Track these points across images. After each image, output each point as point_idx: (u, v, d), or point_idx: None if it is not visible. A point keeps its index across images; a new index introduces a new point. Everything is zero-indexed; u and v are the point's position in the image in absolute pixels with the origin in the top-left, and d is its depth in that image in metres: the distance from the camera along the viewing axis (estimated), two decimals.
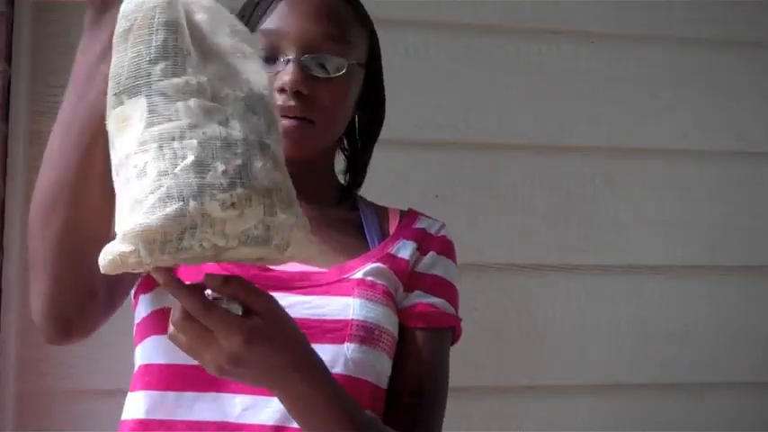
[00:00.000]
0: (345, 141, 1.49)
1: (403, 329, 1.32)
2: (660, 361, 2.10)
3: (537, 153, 2.08)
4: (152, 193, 0.97)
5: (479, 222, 2.04)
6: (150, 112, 0.99)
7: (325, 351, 1.19)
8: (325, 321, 1.23)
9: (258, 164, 1.01)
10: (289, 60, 1.27)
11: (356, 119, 1.45)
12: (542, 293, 2.06)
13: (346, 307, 1.25)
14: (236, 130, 1.01)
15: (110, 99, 1.01)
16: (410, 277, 1.35)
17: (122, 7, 1.03)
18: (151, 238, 0.97)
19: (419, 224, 1.41)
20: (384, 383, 1.29)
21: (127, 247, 0.97)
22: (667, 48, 2.14)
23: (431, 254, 1.38)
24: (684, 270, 2.13)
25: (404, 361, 1.32)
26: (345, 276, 1.29)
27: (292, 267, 1.26)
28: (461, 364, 1.83)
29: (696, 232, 2.14)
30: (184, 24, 1.03)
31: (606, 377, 2.08)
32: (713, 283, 2.14)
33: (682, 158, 2.14)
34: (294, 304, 1.21)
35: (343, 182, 1.50)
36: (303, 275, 1.27)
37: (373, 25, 1.41)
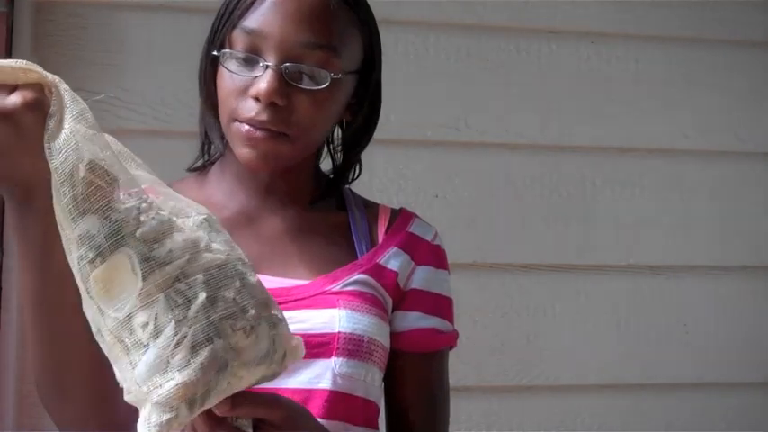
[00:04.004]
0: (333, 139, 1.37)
1: (403, 353, 1.27)
2: (660, 361, 2.10)
3: (537, 153, 2.08)
4: (178, 345, 0.91)
5: (479, 222, 2.04)
6: (143, 261, 0.92)
7: (311, 366, 1.16)
8: (310, 336, 1.16)
9: (252, 278, 0.98)
10: (267, 66, 1.17)
11: (344, 122, 1.34)
12: (542, 293, 2.06)
13: (332, 319, 1.19)
14: (219, 252, 0.96)
15: (82, 267, 0.92)
16: (404, 294, 1.28)
17: (56, 169, 0.92)
18: (192, 394, 0.91)
19: (412, 228, 1.31)
20: (374, 397, 1.24)
21: (168, 414, 0.91)
22: (667, 48, 2.14)
23: (428, 268, 1.30)
24: (684, 270, 2.13)
25: (410, 386, 1.28)
26: (328, 288, 1.22)
27: (270, 283, 1.17)
28: (461, 364, 1.84)
29: (696, 232, 2.14)
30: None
31: (606, 377, 2.08)
32: (713, 283, 2.14)
33: (682, 158, 2.14)
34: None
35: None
36: (283, 291, 1.19)
37: (374, 25, 1.28)
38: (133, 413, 1.11)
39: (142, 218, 0.94)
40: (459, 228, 2.00)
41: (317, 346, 1.18)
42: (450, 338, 1.32)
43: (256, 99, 1.17)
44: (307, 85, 1.18)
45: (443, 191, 2.02)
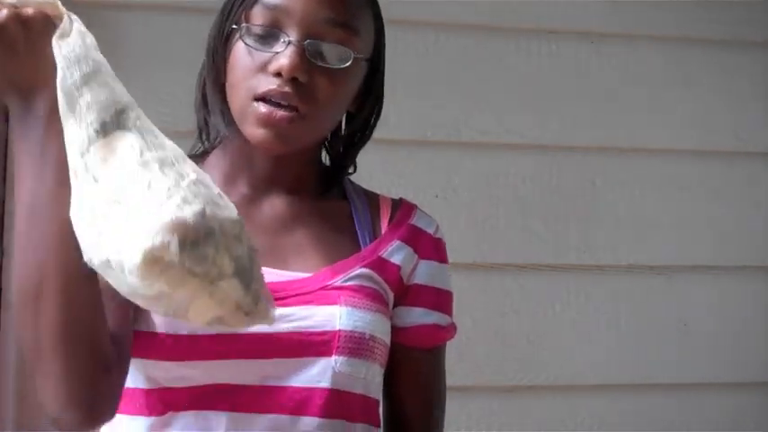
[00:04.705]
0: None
1: (403, 348, 1.26)
2: (660, 361, 2.10)
3: (537, 153, 2.08)
4: (171, 197, 0.97)
5: (479, 222, 2.04)
6: (146, 140, 1.01)
7: (312, 365, 1.16)
8: (310, 334, 1.16)
9: (227, 201, 1.04)
10: (289, 42, 1.16)
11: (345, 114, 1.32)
12: (542, 293, 2.06)
13: (332, 317, 1.17)
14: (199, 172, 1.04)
15: (85, 134, 1.00)
16: (407, 288, 1.26)
17: (66, 56, 1.01)
18: (183, 234, 0.95)
19: (414, 220, 1.29)
20: (374, 393, 1.23)
21: (162, 238, 0.94)
22: (667, 48, 2.15)
23: (431, 263, 1.29)
24: (684, 270, 2.13)
25: (408, 380, 1.28)
26: (329, 283, 1.20)
27: (270, 276, 1.14)
28: (461, 364, 1.84)
29: (696, 232, 2.14)
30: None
31: (606, 377, 2.08)
32: (713, 283, 2.14)
33: (682, 158, 2.15)
34: (275, 318, 1.14)
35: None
36: (283, 286, 1.18)
37: (382, 21, 1.28)
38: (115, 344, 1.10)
39: (143, 115, 1.05)
40: (459, 228, 2.00)
41: (318, 345, 1.17)
42: (450, 332, 1.32)
43: (278, 75, 1.15)
44: (327, 63, 1.17)
45: (443, 191, 2.02)
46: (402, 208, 1.31)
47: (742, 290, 2.15)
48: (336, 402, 1.17)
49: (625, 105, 2.12)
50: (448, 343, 1.34)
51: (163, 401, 1.16)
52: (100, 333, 1.05)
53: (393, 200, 1.33)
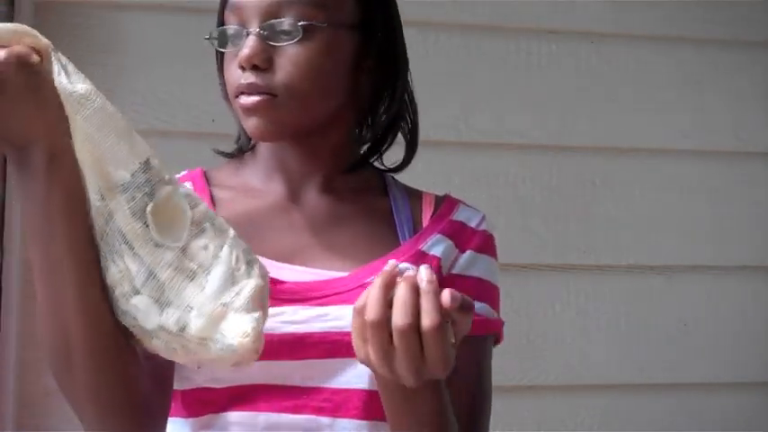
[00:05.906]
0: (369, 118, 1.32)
1: None
2: (660, 361, 2.10)
3: (537, 153, 2.08)
4: (237, 261, 1.00)
5: None
6: (184, 196, 1.01)
7: (348, 366, 1.14)
8: (346, 334, 1.08)
9: None
10: (248, 33, 1.16)
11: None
12: (542, 293, 2.06)
13: None
14: None
15: (134, 204, 0.98)
16: (445, 280, 1.20)
17: (83, 94, 0.95)
18: (263, 297, 1.00)
19: (457, 215, 1.27)
20: None
21: (256, 312, 0.99)
22: (667, 48, 2.15)
23: (469, 252, 1.24)
24: (684, 270, 2.13)
25: (452, 375, 1.25)
26: (368, 280, 1.15)
27: (308, 275, 1.17)
28: None
29: (696, 232, 2.14)
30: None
31: (606, 377, 2.08)
32: (713, 283, 2.14)
33: (682, 158, 2.15)
34: (311, 318, 1.15)
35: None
36: (320, 284, 1.17)
37: None
38: (148, 379, 1.08)
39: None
40: None
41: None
42: (496, 325, 1.25)
43: (242, 68, 1.16)
44: (283, 41, 1.16)
45: (443, 191, 2.01)
46: (445, 203, 1.29)
47: (742, 290, 2.15)
48: (374, 403, 1.13)
49: (625, 105, 2.12)
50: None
51: (201, 402, 1.15)
52: (137, 385, 1.03)
53: (437, 195, 1.31)
